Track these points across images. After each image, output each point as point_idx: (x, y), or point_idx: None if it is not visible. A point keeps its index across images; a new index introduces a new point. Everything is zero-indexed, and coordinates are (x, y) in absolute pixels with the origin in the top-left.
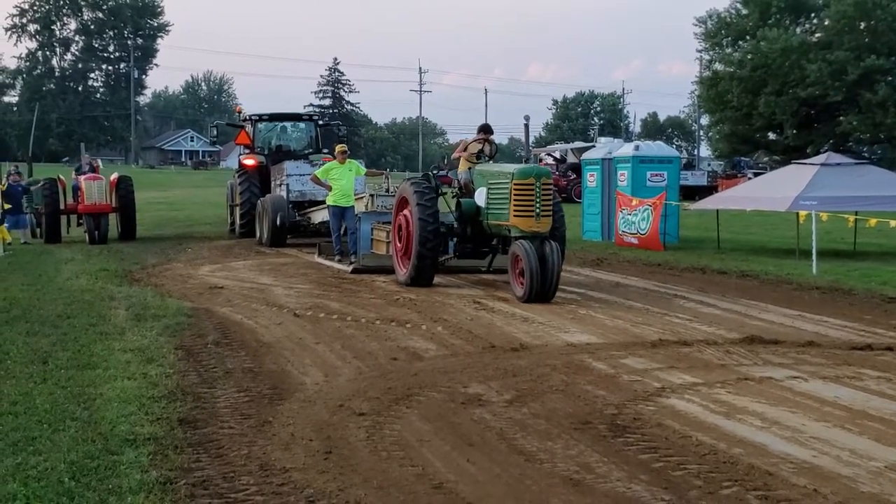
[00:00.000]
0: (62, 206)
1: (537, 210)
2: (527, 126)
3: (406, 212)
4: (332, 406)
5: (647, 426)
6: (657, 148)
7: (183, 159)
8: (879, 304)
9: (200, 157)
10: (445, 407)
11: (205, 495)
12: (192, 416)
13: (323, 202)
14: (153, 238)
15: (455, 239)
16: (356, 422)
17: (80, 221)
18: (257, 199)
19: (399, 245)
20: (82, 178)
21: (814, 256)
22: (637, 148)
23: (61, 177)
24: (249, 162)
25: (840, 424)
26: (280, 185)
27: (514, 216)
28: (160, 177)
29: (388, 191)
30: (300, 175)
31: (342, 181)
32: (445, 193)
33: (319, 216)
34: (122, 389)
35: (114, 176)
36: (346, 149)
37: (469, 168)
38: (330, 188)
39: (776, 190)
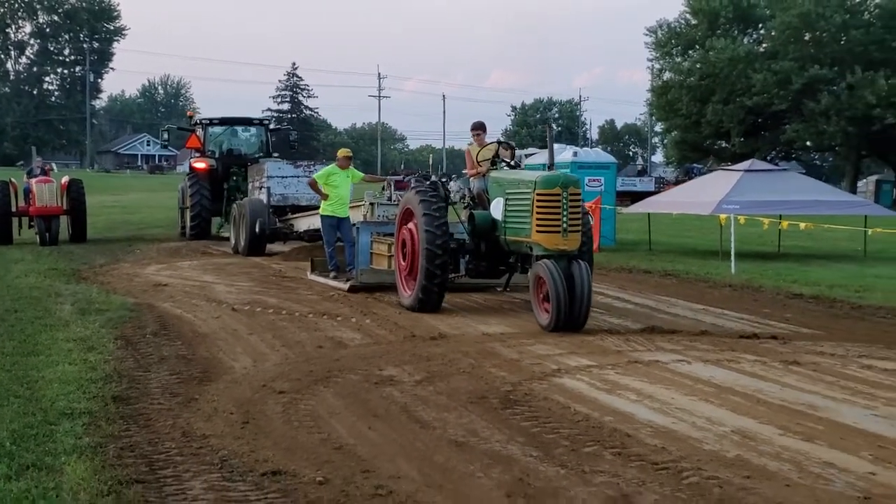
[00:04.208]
0: (13, 209)
1: (564, 225)
2: (550, 128)
3: (411, 225)
4: (255, 386)
5: (535, 400)
6: (595, 154)
7: (139, 163)
8: (782, 299)
9: (157, 162)
10: (359, 386)
11: (131, 457)
12: (126, 394)
13: (307, 208)
14: (104, 240)
15: (467, 256)
16: (275, 399)
17: (32, 224)
18: (207, 203)
19: (403, 264)
20: (34, 181)
21: (732, 257)
22: (575, 154)
23: (13, 180)
24: (200, 165)
25: (705, 398)
26: (260, 187)
27: (538, 232)
28: (116, 181)
29: (390, 199)
30: (282, 177)
31: (341, 189)
32: (456, 203)
33: (305, 224)
34: (63, 373)
35: (65, 179)
36: (351, 155)
37: (483, 176)
38: (325, 196)
39: (702, 194)
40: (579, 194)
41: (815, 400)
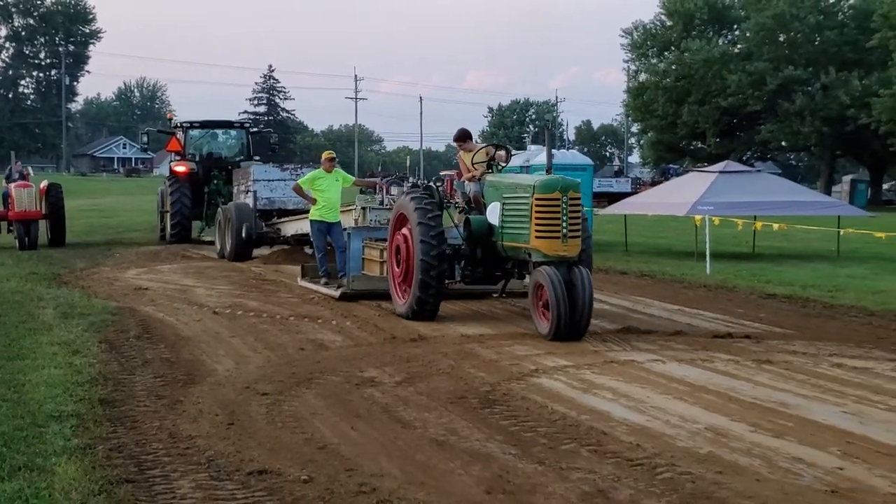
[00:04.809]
0: None
1: (564, 230)
2: (549, 129)
3: (405, 231)
4: (239, 388)
5: (514, 400)
6: (571, 156)
7: (115, 166)
8: (756, 299)
9: (133, 165)
10: (341, 388)
11: (119, 457)
12: (112, 397)
13: (294, 211)
14: (83, 244)
15: (462, 262)
16: (259, 400)
17: (11, 228)
18: (188, 206)
19: (397, 270)
20: (12, 185)
21: (707, 257)
22: (552, 156)
23: None
24: (180, 168)
25: (679, 397)
26: (246, 191)
27: (537, 237)
28: (92, 184)
29: (382, 203)
30: (268, 180)
31: (328, 193)
32: (450, 207)
33: (292, 228)
34: (49, 376)
35: (43, 184)
36: (335, 156)
37: (479, 179)
38: (314, 201)
39: (677, 196)
40: (579, 199)
41: (787, 398)
